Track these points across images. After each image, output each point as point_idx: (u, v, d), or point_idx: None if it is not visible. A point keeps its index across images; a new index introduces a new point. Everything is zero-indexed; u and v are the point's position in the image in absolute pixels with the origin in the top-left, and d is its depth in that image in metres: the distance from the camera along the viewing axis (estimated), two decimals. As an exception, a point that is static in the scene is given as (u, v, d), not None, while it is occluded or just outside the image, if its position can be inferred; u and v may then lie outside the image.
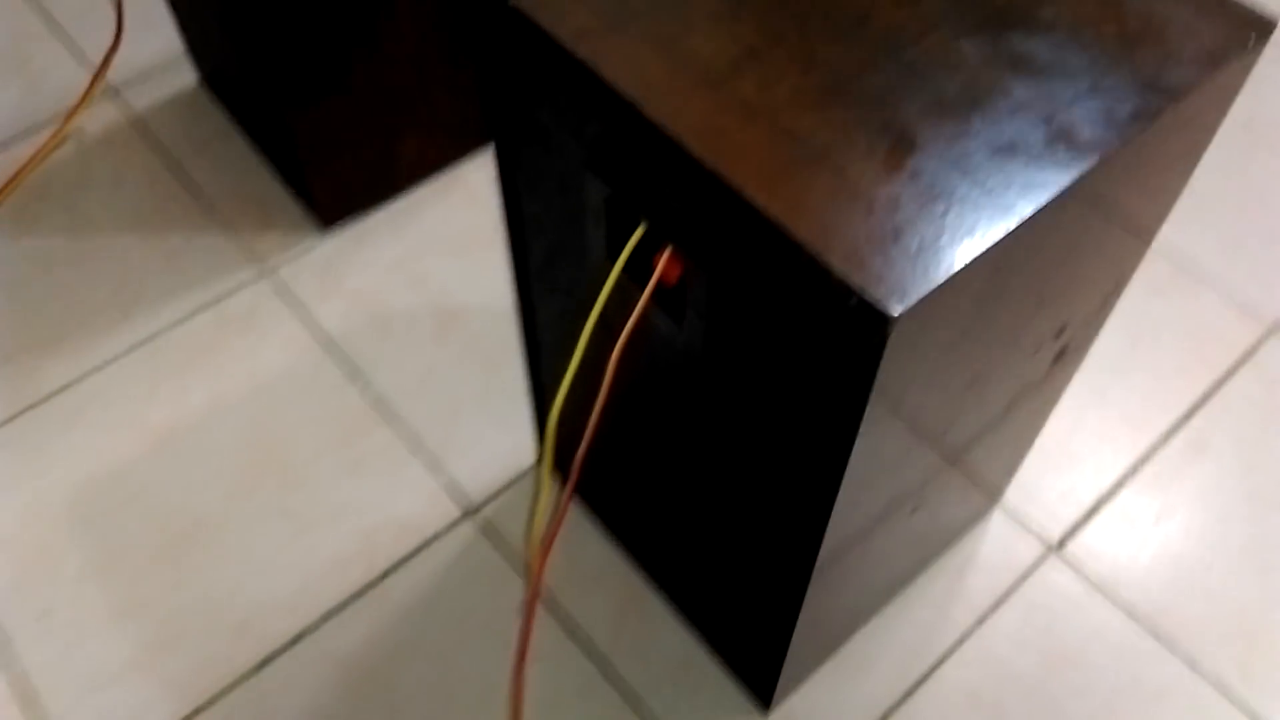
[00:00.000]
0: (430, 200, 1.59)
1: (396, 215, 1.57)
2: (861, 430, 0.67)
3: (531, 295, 1.02)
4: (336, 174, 1.48)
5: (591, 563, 1.24)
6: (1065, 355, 0.95)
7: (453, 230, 1.55)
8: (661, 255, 0.75)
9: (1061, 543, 1.26)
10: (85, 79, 1.73)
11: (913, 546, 1.12)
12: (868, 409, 0.64)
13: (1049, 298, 0.78)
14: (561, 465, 1.24)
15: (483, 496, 1.29)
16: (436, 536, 1.26)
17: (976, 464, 1.03)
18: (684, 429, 0.91)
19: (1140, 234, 0.84)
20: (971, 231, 0.60)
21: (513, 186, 0.91)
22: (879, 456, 0.75)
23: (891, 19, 0.72)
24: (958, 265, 0.59)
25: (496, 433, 1.34)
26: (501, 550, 1.25)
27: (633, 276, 0.78)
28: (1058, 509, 1.29)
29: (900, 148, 0.64)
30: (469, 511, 1.28)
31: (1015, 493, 1.30)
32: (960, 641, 1.19)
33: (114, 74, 1.73)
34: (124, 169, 1.61)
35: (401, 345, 1.43)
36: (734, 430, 0.82)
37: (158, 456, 1.32)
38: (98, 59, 1.76)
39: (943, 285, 0.58)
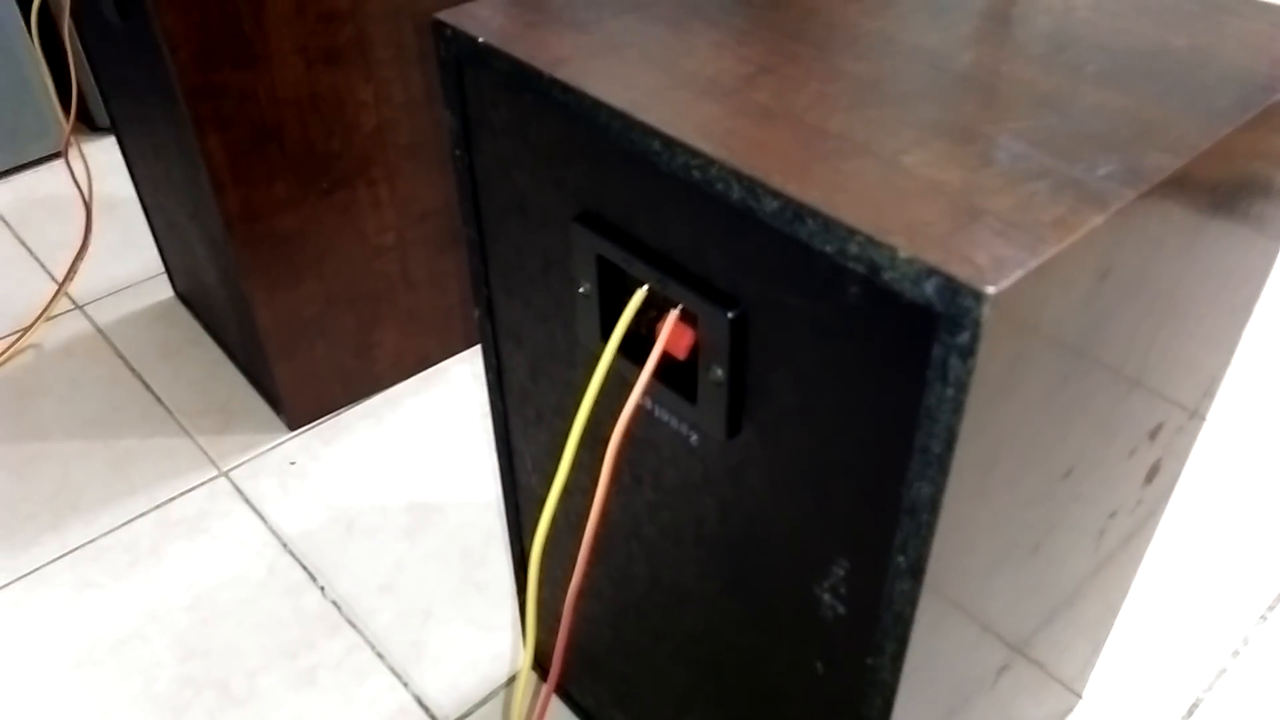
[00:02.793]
0: (408, 396, 1.46)
1: (371, 411, 1.44)
2: (946, 502, 0.50)
3: (510, 433, 0.87)
4: (306, 370, 1.36)
5: (591, 791, 1.00)
6: (1157, 476, 0.79)
7: (432, 425, 1.41)
8: (665, 321, 0.61)
9: (1167, 747, 1.03)
10: (51, 294, 1.65)
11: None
12: (957, 450, 0.47)
13: (1151, 363, 0.63)
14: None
15: (458, 711, 1.07)
16: (400, 763, 1.02)
17: (1070, 618, 0.83)
18: (702, 585, 0.73)
19: (1246, 288, 0.70)
20: (1073, 210, 0.47)
21: (487, 286, 0.78)
22: (967, 568, 0.57)
23: (924, 41, 0.62)
24: (1060, 243, 0.45)
25: (473, 638, 1.14)
26: (480, 778, 1.01)
27: (633, 363, 0.64)
28: (1151, 704, 1.07)
29: (965, 138, 0.52)
30: (441, 731, 1.05)
31: (1096, 689, 1.08)
32: None
33: (86, 292, 1.66)
34: (82, 376, 1.49)
35: (368, 544, 1.25)
36: (770, 571, 0.65)
37: (74, 675, 1.10)
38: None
39: (1045, 266, 0.44)
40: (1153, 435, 0.71)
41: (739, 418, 0.61)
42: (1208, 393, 0.77)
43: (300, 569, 1.22)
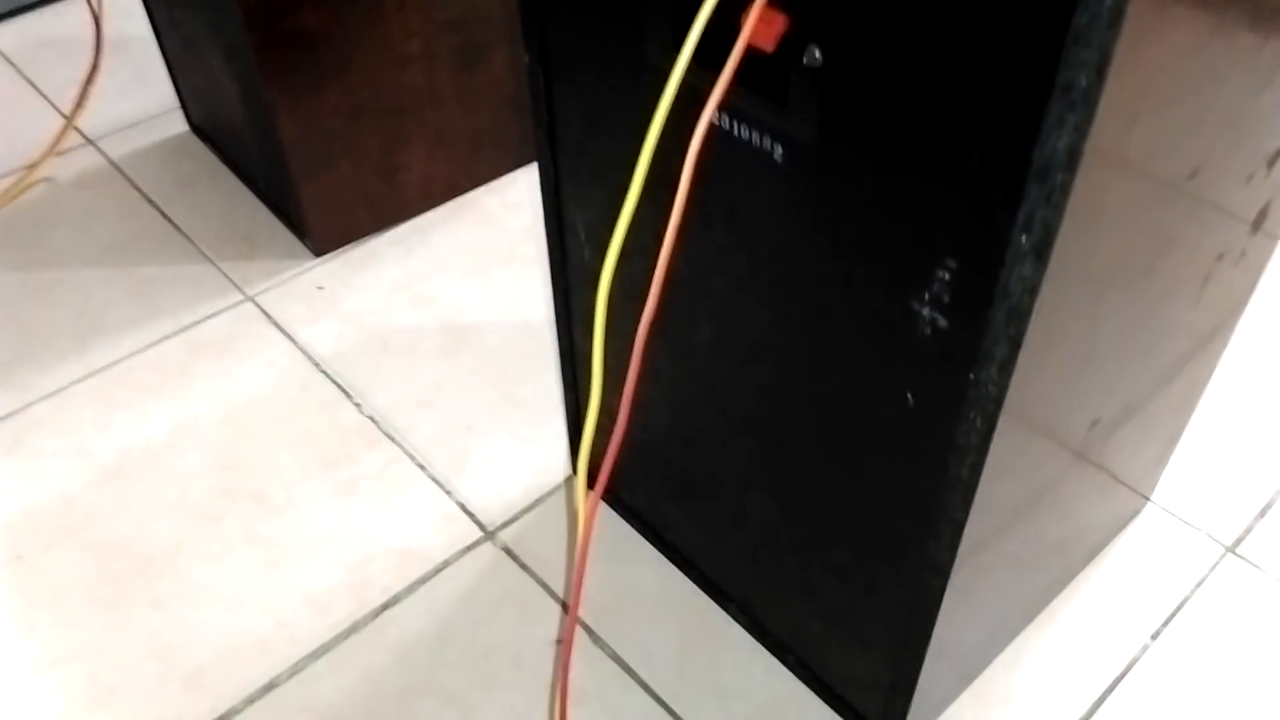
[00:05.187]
0: (437, 224, 1.41)
1: (399, 239, 1.38)
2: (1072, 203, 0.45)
3: (561, 201, 0.82)
4: (331, 192, 1.30)
5: (646, 585, 0.97)
6: (1265, 223, 0.73)
7: (464, 251, 1.36)
8: (751, 9, 0.55)
9: (1236, 543, 1.00)
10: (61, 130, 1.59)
11: (1054, 553, 0.87)
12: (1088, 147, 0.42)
13: (1284, 55, 0.57)
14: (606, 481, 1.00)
15: (504, 517, 1.04)
16: (448, 563, 1.00)
17: (1158, 400, 0.79)
18: (777, 334, 0.68)
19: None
20: None
21: (541, 20, 0.72)
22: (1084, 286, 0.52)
23: None
24: None
25: (517, 450, 1.11)
26: (531, 574, 0.99)
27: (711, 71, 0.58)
28: (1221, 506, 1.03)
29: None
30: (489, 532, 1.03)
31: (1165, 492, 1.05)
32: (1128, 668, 0.91)
33: (97, 127, 1.59)
34: (98, 208, 1.44)
35: (404, 364, 1.21)
36: (854, 302, 0.60)
37: (105, 486, 1.08)
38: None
39: None
40: (1271, 162, 0.66)
41: (835, 115, 0.55)
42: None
43: (334, 387, 1.18)
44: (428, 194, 1.41)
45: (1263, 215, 0.72)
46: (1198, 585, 0.97)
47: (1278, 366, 1.17)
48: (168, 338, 1.25)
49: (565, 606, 0.96)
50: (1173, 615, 0.95)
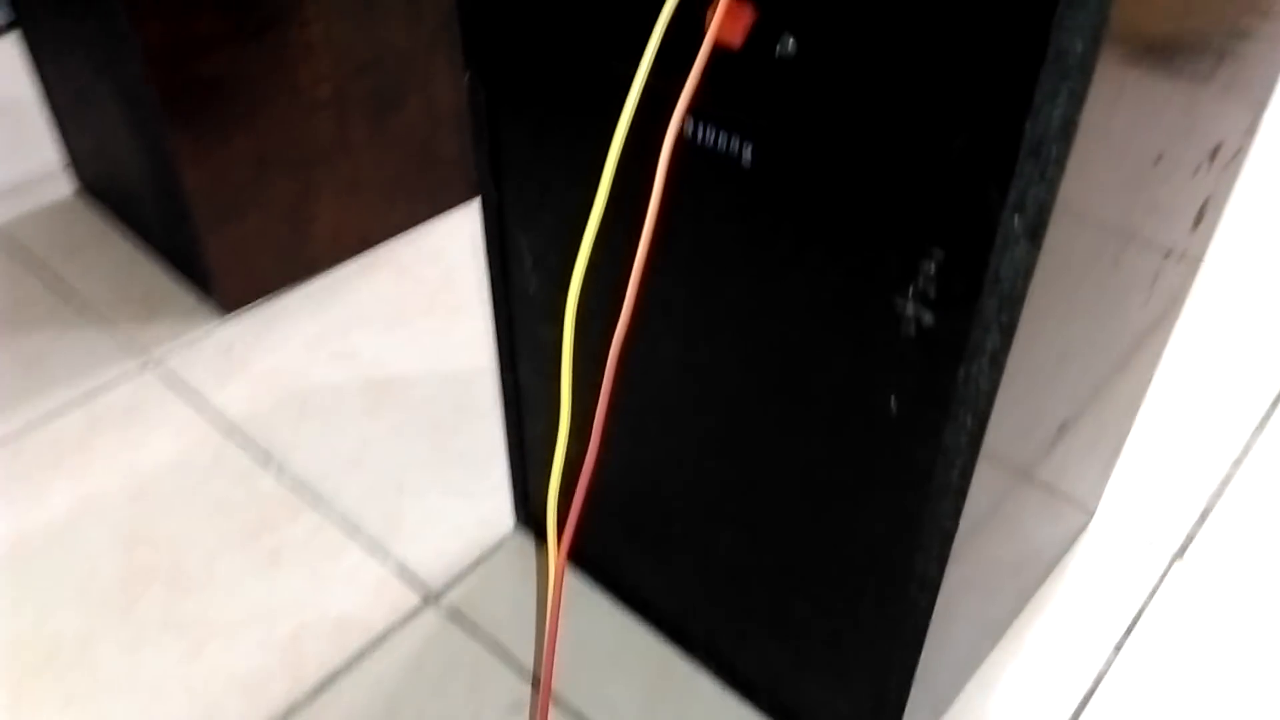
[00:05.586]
0: (351, 278, 1.35)
1: (312, 294, 1.32)
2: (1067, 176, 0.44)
3: (505, 226, 0.78)
4: (238, 242, 1.24)
5: (604, 638, 0.92)
6: (1202, 223, 0.74)
7: (381, 304, 1.31)
8: (716, 5, 0.53)
9: (1182, 550, 1.01)
10: (-66, 193, 1.48)
11: (1013, 570, 0.86)
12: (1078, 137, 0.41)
13: (1223, 63, 0.58)
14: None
15: (446, 578, 0.98)
16: (389, 631, 0.93)
17: (1104, 404, 0.79)
18: (745, 351, 0.65)
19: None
20: None
21: (483, 36, 0.69)
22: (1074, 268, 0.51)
23: None
24: None
25: (455, 506, 1.05)
26: (481, 637, 0.93)
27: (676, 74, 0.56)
28: (1162, 516, 1.04)
29: None
30: (432, 595, 0.96)
31: (1108, 508, 1.06)
32: (1098, 681, 0.90)
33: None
34: (-24, 279, 1.34)
35: (325, 424, 1.14)
36: (828, 310, 0.58)
37: (1, 573, 0.98)
38: (-49, 174, 1.52)
39: None
40: (1212, 156, 0.67)
41: (811, 108, 0.53)
42: (1255, 122, 0.73)
43: (250, 452, 1.11)
44: (340, 246, 1.36)
45: (1202, 213, 0.73)
46: (1151, 594, 0.97)
47: (1196, 381, 1.20)
48: (64, 410, 1.16)
49: (525, 673, 0.90)
50: (1132, 625, 0.94)
